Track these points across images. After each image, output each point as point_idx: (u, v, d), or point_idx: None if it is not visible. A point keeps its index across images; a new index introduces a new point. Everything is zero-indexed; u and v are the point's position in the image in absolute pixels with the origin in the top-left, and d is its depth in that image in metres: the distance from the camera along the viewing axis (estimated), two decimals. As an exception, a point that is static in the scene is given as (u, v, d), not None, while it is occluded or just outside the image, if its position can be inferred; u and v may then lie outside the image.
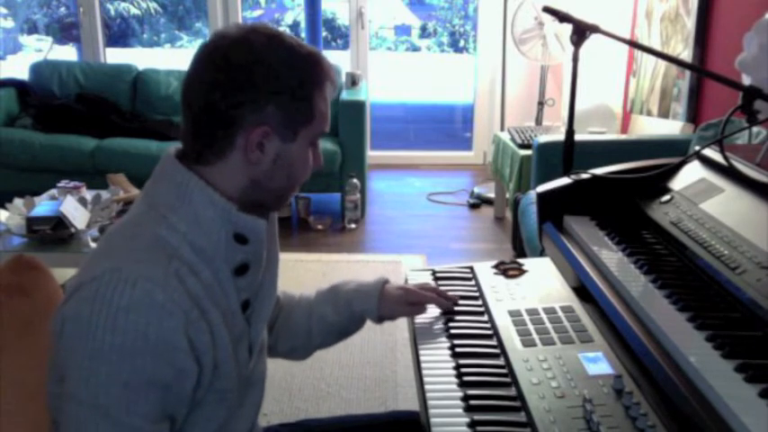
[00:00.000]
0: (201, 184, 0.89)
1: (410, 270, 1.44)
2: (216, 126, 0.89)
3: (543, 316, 1.17)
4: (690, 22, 3.19)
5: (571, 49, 1.91)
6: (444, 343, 1.15)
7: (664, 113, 3.41)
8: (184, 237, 0.87)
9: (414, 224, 4.06)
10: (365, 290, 1.22)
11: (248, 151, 0.89)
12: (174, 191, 0.89)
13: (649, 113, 3.56)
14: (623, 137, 3.57)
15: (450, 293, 1.27)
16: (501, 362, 1.07)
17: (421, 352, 1.14)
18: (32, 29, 8.84)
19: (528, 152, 3.35)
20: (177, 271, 0.84)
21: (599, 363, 1.01)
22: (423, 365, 1.09)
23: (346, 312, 1.21)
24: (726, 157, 1.24)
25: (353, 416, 1.34)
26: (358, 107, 3.94)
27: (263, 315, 1.01)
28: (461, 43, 10.83)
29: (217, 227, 0.89)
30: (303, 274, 3.24)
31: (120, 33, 8.98)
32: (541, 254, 1.48)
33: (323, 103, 0.93)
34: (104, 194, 2.81)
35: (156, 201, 0.90)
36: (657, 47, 3.49)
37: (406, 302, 1.23)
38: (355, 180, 3.90)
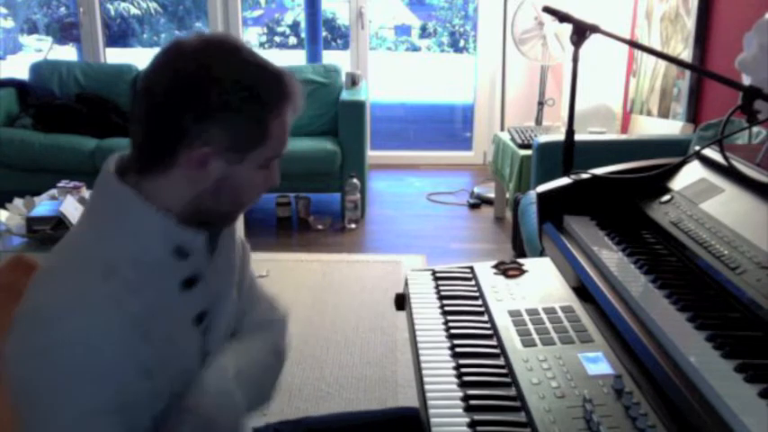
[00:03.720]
0: (139, 198, 0.85)
1: (410, 270, 1.44)
2: (159, 139, 0.85)
3: (543, 316, 1.17)
4: (690, 22, 3.19)
5: (571, 49, 1.91)
6: (444, 343, 1.15)
7: (664, 113, 3.41)
8: (124, 253, 0.84)
9: (414, 224, 4.06)
10: None
11: (190, 169, 0.85)
12: (112, 206, 0.86)
13: (649, 113, 3.56)
14: (623, 137, 3.57)
15: (449, 293, 1.27)
16: (501, 362, 1.07)
17: (421, 352, 1.14)
18: (32, 29, 8.83)
19: (528, 152, 3.34)
20: (115, 293, 0.81)
21: (599, 363, 1.01)
22: (423, 365, 1.09)
23: None
24: (726, 157, 1.24)
25: (354, 413, 1.34)
26: (358, 107, 3.94)
27: (221, 323, 0.98)
28: (461, 43, 10.81)
29: (156, 241, 0.85)
30: (303, 274, 3.24)
31: (120, 33, 8.97)
32: (541, 254, 1.48)
33: (278, 127, 0.87)
34: (104, 194, 2.80)
35: (94, 217, 0.88)
36: (657, 47, 3.49)
37: None
38: (355, 180, 3.89)
